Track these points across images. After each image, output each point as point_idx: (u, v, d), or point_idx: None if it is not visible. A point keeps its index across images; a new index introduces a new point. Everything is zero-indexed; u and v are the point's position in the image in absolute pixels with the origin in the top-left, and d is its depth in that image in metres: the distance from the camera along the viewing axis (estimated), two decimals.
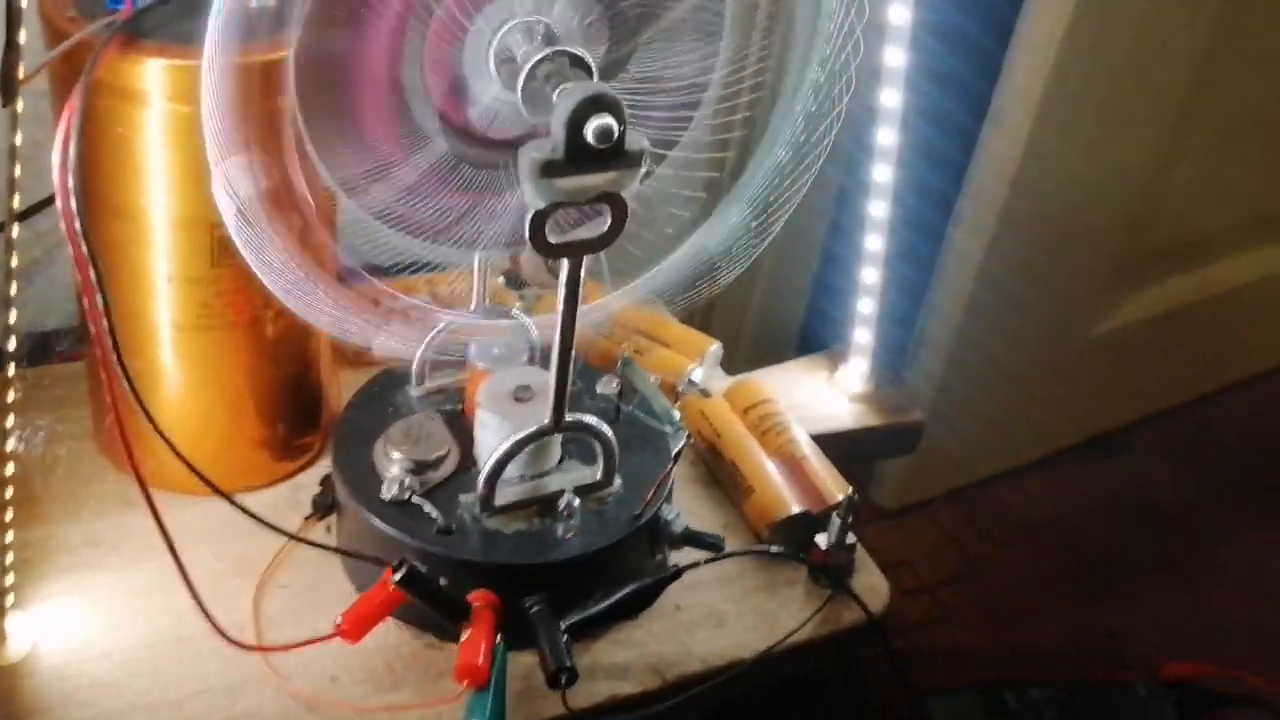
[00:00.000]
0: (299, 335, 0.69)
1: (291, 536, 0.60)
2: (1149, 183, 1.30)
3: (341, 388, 0.76)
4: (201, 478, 0.56)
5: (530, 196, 0.53)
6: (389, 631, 0.64)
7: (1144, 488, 1.54)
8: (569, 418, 0.62)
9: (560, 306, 0.58)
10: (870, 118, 0.78)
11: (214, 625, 0.54)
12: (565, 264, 0.57)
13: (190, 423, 0.68)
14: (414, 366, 0.69)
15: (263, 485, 0.71)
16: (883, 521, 1.35)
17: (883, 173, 0.78)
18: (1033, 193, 1.15)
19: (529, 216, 0.53)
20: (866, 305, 0.84)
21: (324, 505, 0.69)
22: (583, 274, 0.57)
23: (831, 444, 0.78)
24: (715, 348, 0.83)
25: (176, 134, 0.58)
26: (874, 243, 0.81)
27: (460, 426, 0.68)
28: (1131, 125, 1.22)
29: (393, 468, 0.65)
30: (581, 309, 0.59)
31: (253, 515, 0.56)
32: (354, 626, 0.58)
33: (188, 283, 0.63)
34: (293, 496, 0.71)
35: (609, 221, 0.56)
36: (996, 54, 1.08)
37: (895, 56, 0.73)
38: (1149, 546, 1.45)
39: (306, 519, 0.69)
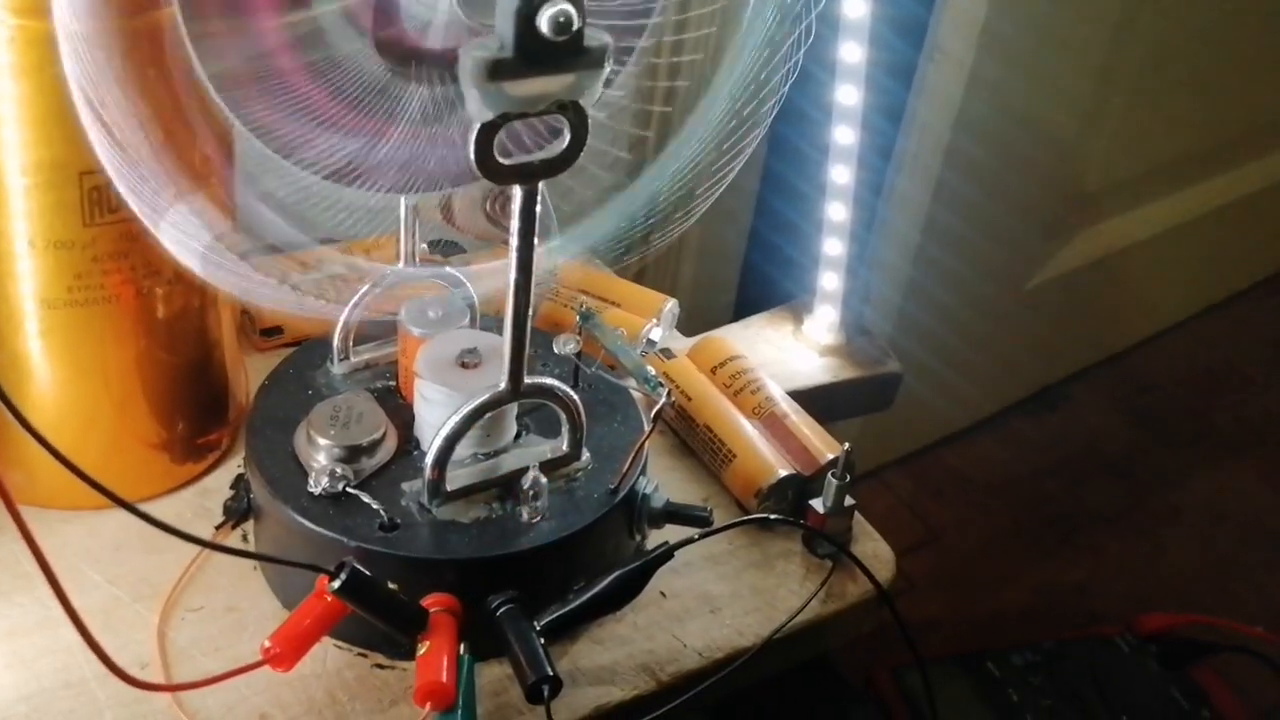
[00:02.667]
0: (197, 311, 0.58)
1: (207, 544, 0.49)
2: (1079, 126, 1.26)
3: (249, 375, 0.65)
4: (91, 482, 0.45)
5: (475, 106, 0.43)
6: (327, 654, 0.53)
7: (1090, 439, 1.50)
8: (528, 381, 0.52)
9: (514, 242, 0.48)
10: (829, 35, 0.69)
11: (107, 662, 0.43)
12: (518, 193, 0.47)
13: (68, 423, 0.56)
14: (335, 338, 0.59)
15: (162, 493, 0.60)
16: None
17: (848, 94, 0.70)
18: (976, 131, 1.09)
19: (474, 131, 0.44)
20: (834, 247, 0.76)
21: (238, 511, 0.59)
22: (539, 203, 0.48)
23: (804, 402, 0.70)
24: (671, 305, 0.74)
25: (26, 57, 0.47)
26: (840, 175, 0.73)
27: (395, 405, 0.58)
28: (1065, 55, 1.16)
29: (320, 456, 0.54)
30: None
31: (162, 525, 0.45)
32: (286, 649, 0.48)
33: (55, 248, 0.51)
34: (199, 504, 0.60)
35: (568, 139, 0.46)
36: None
37: None
38: (1103, 498, 1.41)
39: (218, 528, 0.58)
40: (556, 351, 0.58)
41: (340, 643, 0.54)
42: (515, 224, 0.48)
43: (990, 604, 1.24)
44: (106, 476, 0.56)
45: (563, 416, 0.55)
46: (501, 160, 0.45)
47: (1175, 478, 1.45)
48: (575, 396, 0.54)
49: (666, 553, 0.53)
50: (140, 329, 0.56)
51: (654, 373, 0.56)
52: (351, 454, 0.54)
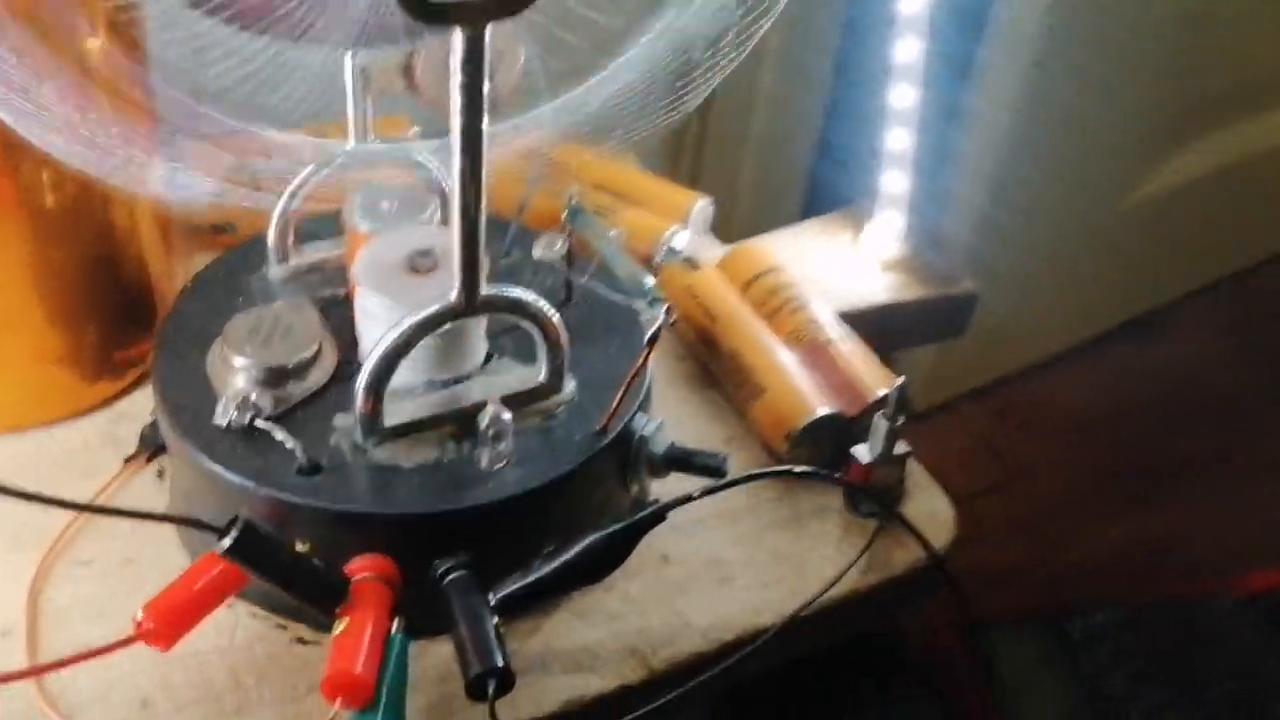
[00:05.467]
0: (97, 203, 0.47)
1: (64, 505, 0.38)
2: (1196, 15, 1.09)
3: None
4: None
5: None
6: (238, 623, 0.43)
7: (1195, 373, 1.35)
8: (488, 291, 0.41)
9: (457, 103, 0.36)
10: None
11: None
12: (458, 42, 0.35)
13: None
14: (271, 233, 0.48)
15: (71, 415, 0.50)
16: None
17: None
18: (1070, 23, 0.94)
19: None
20: (899, 138, 0.63)
21: (155, 441, 0.49)
22: (488, 50, 0.36)
23: (859, 325, 0.57)
24: (703, 204, 0.62)
25: None
26: (906, 51, 0.60)
27: (343, 319, 0.47)
28: None
29: (236, 379, 0.44)
30: (502, 131, 0.38)
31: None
32: (164, 624, 0.37)
33: None
34: (111, 431, 0.50)
35: None
36: None
37: None
38: (1205, 440, 1.27)
39: (128, 460, 0.49)
40: (535, 256, 0.46)
41: (257, 609, 0.44)
42: (456, 87, 0.36)
43: (1073, 555, 1.12)
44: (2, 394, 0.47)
45: (538, 337, 0.44)
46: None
47: None
48: (548, 311, 0.43)
49: (657, 514, 0.42)
50: (26, 223, 0.46)
51: (651, 283, 0.44)
52: (274, 377, 0.44)
